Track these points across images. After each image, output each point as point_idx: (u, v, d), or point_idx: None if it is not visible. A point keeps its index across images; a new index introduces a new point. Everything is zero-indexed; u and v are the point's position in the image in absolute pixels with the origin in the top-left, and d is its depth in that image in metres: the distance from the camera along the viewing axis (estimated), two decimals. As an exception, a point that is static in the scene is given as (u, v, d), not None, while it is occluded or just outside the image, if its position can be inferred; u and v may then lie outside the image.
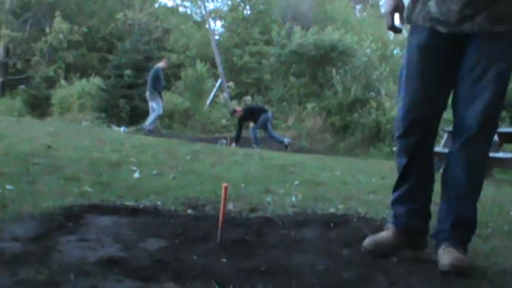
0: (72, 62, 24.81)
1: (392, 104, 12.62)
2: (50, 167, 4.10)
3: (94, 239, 2.14)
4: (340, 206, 3.30)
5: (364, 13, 33.58)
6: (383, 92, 12.87)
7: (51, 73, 23.17)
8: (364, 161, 8.75)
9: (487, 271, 1.99)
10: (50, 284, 1.56)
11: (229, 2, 26.61)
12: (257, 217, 2.83)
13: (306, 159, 7.31)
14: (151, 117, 10.35)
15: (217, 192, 3.34)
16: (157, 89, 10.47)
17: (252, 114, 10.58)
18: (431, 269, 1.95)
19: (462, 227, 2.04)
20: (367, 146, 11.56)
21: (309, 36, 13.92)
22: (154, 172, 4.32)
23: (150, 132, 10.12)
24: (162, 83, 10.88)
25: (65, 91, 19.16)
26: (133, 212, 2.74)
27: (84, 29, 24.76)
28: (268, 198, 3.42)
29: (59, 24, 23.64)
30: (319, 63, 13.37)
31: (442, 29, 2.00)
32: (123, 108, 14.16)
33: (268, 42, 19.48)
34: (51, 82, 21.33)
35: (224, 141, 10.65)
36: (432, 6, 1.99)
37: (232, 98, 14.61)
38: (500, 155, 5.71)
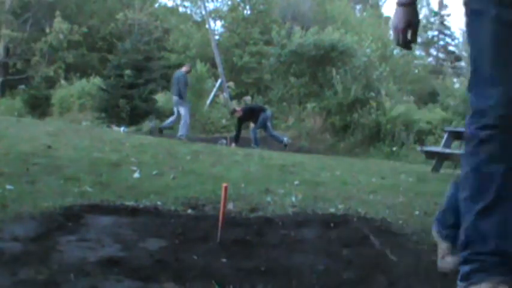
0: (72, 62, 24.81)
1: (392, 104, 12.63)
2: (50, 167, 4.10)
3: (94, 239, 2.14)
4: (340, 206, 3.30)
5: (364, 13, 33.60)
6: (383, 92, 12.88)
7: (51, 73, 23.17)
8: (364, 161, 8.75)
9: (487, 271, 1.98)
10: (50, 284, 1.56)
11: (229, 2, 26.62)
12: (257, 217, 2.83)
13: (306, 159, 7.31)
14: (182, 127, 10.14)
15: (217, 192, 3.34)
16: (185, 94, 10.39)
17: (251, 114, 10.59)
18: (431, 269, 1.95)
19: None
20: (367, 146, 11.57)
21: (309, 36, 13.93)
22: (154, 172, 4.32)
23: (185, 137, 9.96)
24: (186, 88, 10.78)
25: (65, 91, 19.17)
26: (133, 212, 2.74)
27: (84, 29, 24.75)
28: (268, 198, 3.42)
29: (59, 24, 23.64)
30: (319, 63, 13.37)
31: None
32: (123, 108, 14.16)
33: (268, 42, 19.49)
34: (51, 82, 21.33)
35: (224, 141, 10.65)
36: None
37: (232, 98, 14.61)
38: (500, 155, 5.71)
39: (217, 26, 27.37)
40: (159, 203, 3.03)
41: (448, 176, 6.27)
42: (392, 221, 2.91)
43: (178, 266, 1.84)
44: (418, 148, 8.02)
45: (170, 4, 31.04)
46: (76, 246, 2.03)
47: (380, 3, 39.55)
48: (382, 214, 3.07)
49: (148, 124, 13.31)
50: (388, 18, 36.08)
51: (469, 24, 1.57)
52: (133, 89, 14.45)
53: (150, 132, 11.82)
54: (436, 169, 6.71)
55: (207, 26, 22.53)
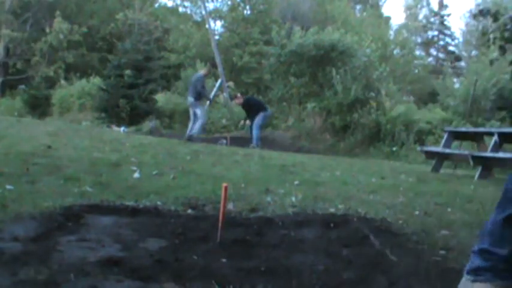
0: (72, 62, 24.80)
1: (392, 104, 12.63)
2: (50, 167, 4.10)
3: (94, 239, 2.14)
4: (340, 206, 3.30)
5: (364, 13, 33.58)
6: (383, 92, 12.87)
7: (51, 73, 23.16)
8: (364, 161, 8.74)
9: (487, 271, 1.98)
10: (50, 284, 1.56)
11: (229, 2, 26.60)
12: (257, 217, 2.83)
13: (306, 159, 7.31)
14: (197, 126, 10.10)
15: (217, 192, 3.34)
16: (201, 96, 10.35)
17: (249, 105, 10.59)
18: (431, 269, 1.95)
19: None
20: (367, 146, 11.56)
21: (309, 36, 13.91)
22: (154, 172, 4.32)
23: (196, 137, 9.92)
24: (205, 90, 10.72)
25: (65, 91, 19.16)
26: (134, 212, 2.74)
27: (84, 29, 24.75)
28: (268, 198, 3.42)
29: (59, 24, 23.63)
30: (319, 63, 13.35)
31: None
32: (123, 108, 14.16)
33: (268, 42, 19.47)
34: (51, 82, 21.32)
35: (224, 141, 10.64)
36: None
37: (232, 98, 14.58)
38: (500, 155, 5.72)
39: (217, 26, 27.38)
40: (159, 203, 3.03)
41: (448, 176, 6.27)
42: (392, 221, 2.91)
43: (178, 266, 1.84)
44: (418, 148, 8.02)
45: (170, 4, 31.06)
46: (76, 246, 2.03)
47: (380, 3, 39.55)
48: (382, 214, 3.07)
49: (148, 124, 13.30)
50: (388, 18, 36.14)
51: None
52: (133, 89, 14.44)
53: (150, 132, 11.82)
54: (436, 169, 6.72)
55: (207, 26, 22.51)
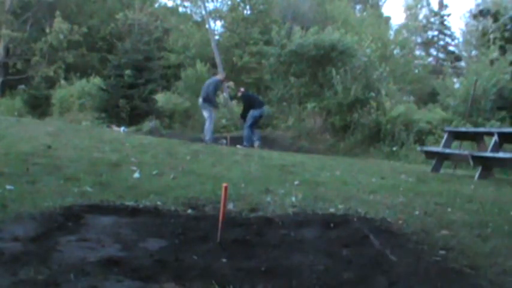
0: (72, 62, 24.81)
1: (392, 104, 12.62)
2: (50, 167, 4.10)
3: (94, 239, 2.14)
4: (340, 206, 3.30)
5: (364, 13, 33.59)
6: (383, 92, 12.86)
7: (51, 73, 23.16)
8: (364, 161, 8.74)
9: (487, 271, 1.98)
10: (50, 284, 1.56)
11: (229, 2, 26.60)
12: (257, 217, 2.83)
13: (306, 159, 7.30)
14: (207, 132, 10.11)
15: (217, 192, 3.34)
16: (213, 99, 10.35)
17: (243, 101, 10.65)
18: (431, 269, 1.95)
19: None
20: (367, 146, 11.55)
21: (309, 36, 13.90)
22: (154, 172, 4.32)
23: (211, 141, 9.93)
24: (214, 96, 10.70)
25: (65, 91, 19.16)
26: (133, 212, 2.74)
27: (84, 29, 24.75)
28: (268, 198, 3.42)
29: (59, 24, 23.64)
30: (319, 63, 13.34)
31: None
32: (123, 108, 14.15)
33: (268, 42, 19.45)
34: (51, 82, 21.32)
35: (224, 141, 10.64)
36: None
37: (232, 98, 14.58)
38: (500, 155, 5.72)
39: (217, 26, 27.38)
40: (159, 203, 3.03)
41: (448, 176, 6.27)
42: (392, 221, 2.91)
43: (178, 266, 1.84)
44: (418, 148, 8.01)
45: (170, 4, 31.04)
46: (76, 246, 2.03)
47: (380, 3, 39.55)
48: (382, 214, 3.06)
49: (148, 124, 13.29)
50: (388, 18, 36.13)
51: None
52: (133, 89, 14.43)
53: (150, 132, 11.81)
54: (436, 169, 6.71)
55: (207, 26, 22.52)
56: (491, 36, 6.20)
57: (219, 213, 2.24)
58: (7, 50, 25.32)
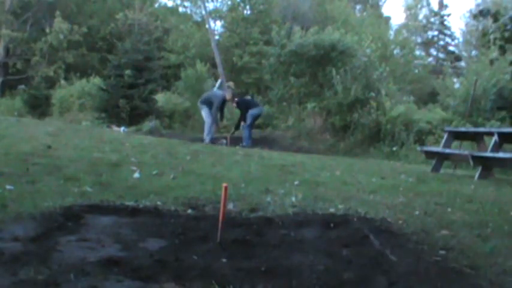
0: (72, 62, 24.82)
1: (392, 104, 12.62)
2: (50, 167, 4.10)
3: (94, 239, 2.14)
4: (340, 206, 3.30)
5: (364, 13, 33.60)
6: (383, 92, 12.85)
7: (51, 73, 23.17)
8: (364, 161, 8.74)
9: (487, 271, 1.98)
10: (50, 284, 1.56)
11: (229, 2, 26.61)
12: (257, 217, 2.83)
13: (306, 159, 7.30)
14: (206, 132, 10.16)
15: (217, 192, 3.34)
16: (215, 116, 10.35)
17: (239, 107, 10.69)
18: (431, 269, 1.95)
19: None
20: (367, 146, 11.55)
21: (309, 36, 13.90)
22: (154, 172, 4.32)
23: (212, 140, 9.95)
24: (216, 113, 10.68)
25: (65, 91, 19.16)
26: (133, 212, 2.74)
27: (84, 29, 24.76)
28: (268, 198, 3.42)
29: (59, 24, 23.65)
30: (319, 63, 13.34)
31: None
32: (123, 108, 14.15)
33: (268, 42, 19.46)
34: (51, 82, 21.32)
35: (224, 141, 10.64)
36: None
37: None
38: (500, 155, 5.72)
39: (217, 26, 27.39)
40: (159, 203, 3.03)
41: (448, 176, 6.27)
42: (392, 221, 2.91)
43: (178, 266, 1.84)
44: (418, 148, 8.01)
45: (170, 4, 31.02)
46: (76, 246, 2.03)
47: (380, 3, 39.56)
48: (382, 214, 3.06)
49: (148, 124, 13.28)
50: (388, 18, 36.14)
51: None
52: (133, 89, 14.43)
53: (150, 132, 11.81)
54: (436, 169, 6.71)
55: (207, 26, 22.53)
56: (491, 36, 6.20)
57: (219, 213, 2.24)
58: (7, 50, 25.33)
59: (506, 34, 5.92)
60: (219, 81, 17.47)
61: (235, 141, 10.37)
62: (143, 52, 15.58)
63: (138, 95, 14.30)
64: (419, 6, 38.85)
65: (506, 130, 6.51)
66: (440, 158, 6.81)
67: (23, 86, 21.03)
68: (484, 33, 7.08)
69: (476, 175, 5.92)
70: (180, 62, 23.14)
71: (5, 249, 1.85)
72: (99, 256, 1.89)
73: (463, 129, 7.78)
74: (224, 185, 2.19)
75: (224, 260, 1.95)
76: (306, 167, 5.95)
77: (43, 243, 1.99)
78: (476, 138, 7.01)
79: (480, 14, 6.26)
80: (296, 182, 4.36)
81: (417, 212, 3.27)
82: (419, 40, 36.85)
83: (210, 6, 26.37)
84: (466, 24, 35.72)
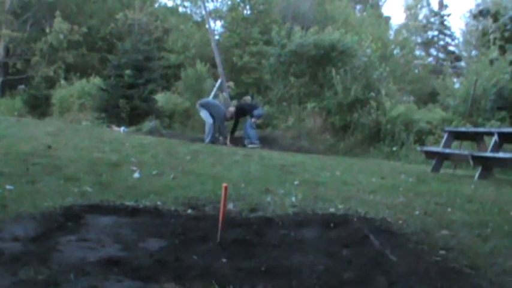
0: (72, 62, 24.80)
1: (392, 104, 12.62)
2: (50, 167, 4.10)
3: (94, 239, 2.14)
4: (340, 206, 3.30)
5: (364, 13, 33.59)
6: (383, 92, 12.85)
7: (51, 73, 23.16)
8: (364, 161, 8.74)
9: (487, 271, 1.98)
10: (50, 284, 1.56)
11: (229, 2, 26.59)
12: (257, 217, 2.83)
13: (306, 159, 7.30)
14: (207, 132, 10.22)
15: (217, 192, 3.34)
16: (223, 128, 10.45)
17: (238, 114, 10.74)
18: (431, 269, 1.95)
19: None
20: (367, 146, 11.54)
21: (309, 36, 13.91)
22: (154, 172, 4.32)
23: (213, 141, 10.00)
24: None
25: (65, 91, 19.16)
26: (133, 212, 2.74)
27: (84, 29, 24.75)
28: (268, 198, 3.42)
29: (59, 24, 23.63)
30: (319, 63, 13.33)
31: None
32: (123, 108, 14.14)
33: (268, 42, 19.45)
34: (51, 82, 21.31)
35: (225, 140, 10.63)
36: None
37: (232, 98, 14.56)
38: (500, 155, 5.72)
39: (217, 26, 27.36)
40: (159, 203, 3.03)
41: (448, 176, 6.27)
42: (392, 221, 2.91)
43: (178, 266, 1.84)
44: (418, 148, 8.01)
45: (170, 4, 30.98)
46: (76, 246, 2.03)
47: (380, 3, 39.54)
48: (382, 214, 3.06)
49: (148, 124, 13.27)
50: (388, 18, 36.12)
51: None
52: (133, 89, 14.42)
53: (150, 132, 11.80)
54: (436, 169, 6.71)
55: (207, 26, 22.50)
56: (491, 36, 6.19)
57: (219, 213, 2.24)
58: (7, 50, 25.32)
59: (506, 34, 5.91)
60: (219, 81, 17.44)
61: (235, 141, 10.38)
62: (143, 52, 15.57)
63: (138, 95, 14.29)
64: (419, 6, 38.84)
65: (506, 130, 6.51)
66: (440, 158, 6.81)
67: (23, 86, 21.02)
68: (484, 33, 7.08)
69: (476, 175, 5.92)
70: (180, 62, 23.13)
71: (5, 249, 1.85)
72: (99, 256, 1.89)
73: (463, 129, 7.78)
74: (224, 185, 2.19)
75: (224, 260, 1.95)
76: (306, 167, 5.95)
77: (43, 243, 1.99)
78: (476, 138, 7.01)
79: (480, 14, 6.25)
80: (296, 182, 4.35)
81: (417, 212, 3.27)
82: (419, 40, 36.83)
83: (210, 6, 26.35)
84: (466, 24, 35.73)
